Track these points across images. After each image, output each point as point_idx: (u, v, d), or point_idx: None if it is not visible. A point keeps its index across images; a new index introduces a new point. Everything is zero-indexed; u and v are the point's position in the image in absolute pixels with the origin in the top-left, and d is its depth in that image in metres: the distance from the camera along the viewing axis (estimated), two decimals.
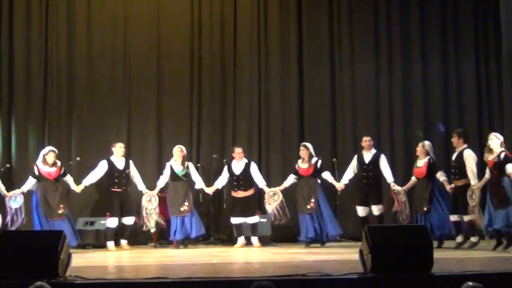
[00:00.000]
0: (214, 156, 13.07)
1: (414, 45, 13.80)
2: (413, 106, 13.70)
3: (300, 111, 13.57)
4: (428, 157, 11.52)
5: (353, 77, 13.68)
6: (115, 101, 13.24)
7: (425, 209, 11.27)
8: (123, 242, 11.89)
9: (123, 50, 13.31)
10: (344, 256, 9.65)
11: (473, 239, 10.74)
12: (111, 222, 11.76)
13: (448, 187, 11.30)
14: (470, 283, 4.54)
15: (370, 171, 12.01)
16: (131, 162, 12.15)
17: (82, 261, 9.13)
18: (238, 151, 12.37)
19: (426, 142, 11.68)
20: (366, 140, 12.17)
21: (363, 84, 13.68)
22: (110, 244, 11.71)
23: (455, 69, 13.80)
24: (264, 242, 12.26)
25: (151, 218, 11.84)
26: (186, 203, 11.93)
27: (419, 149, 11.65)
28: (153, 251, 11.54)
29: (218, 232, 12.96)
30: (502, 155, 10.33)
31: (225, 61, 13.57)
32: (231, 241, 12.27)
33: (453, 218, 10.95)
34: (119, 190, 11.86)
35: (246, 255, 10.65)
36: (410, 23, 13.84)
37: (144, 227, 11.91)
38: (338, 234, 12.07)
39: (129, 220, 11.90)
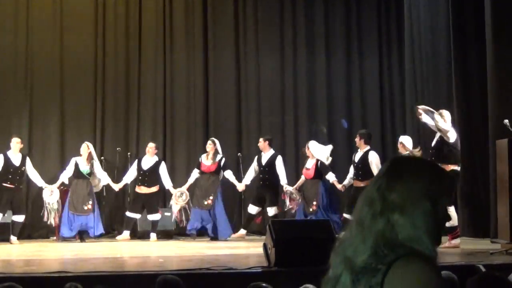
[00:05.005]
0: (118, 149, 12.94)
1: (318, 41, 13.95)
2: (317, 102, 13.87)
3: (205, 106, 13.56)
4: (316, 158, 11.72)
5: (258, 73, 13.76)
6: (16, 96, 12.92)
7: (311, 209, 11.47)
8: (13, 238, 11.47)
9: (25, 44, 12.99)
10: (248, 250, 9.71)
11: None
12: None
13: (339, 186, 11.56)
14: None
15: (266, 173, 12.10)
16: (27, 159, 11.81)
17: None
18: (150, 145, 12.27)
19: (310, 143, 11.89)
20: (260, 141, 12.26)
21: (268, 80, 13.77)
22: None
23: (358, 65, 14.03)
24: (168, 236, 12.23)
25: (53, 211, 11.61)
26: (90, 202, 11.75)
27: (307, 150, 11.83)
28: (55, 245, 11.33)
29: (122, 226, 12.83)
30: None
31: (130, 54, 13.44)
32: (135, 236, 12.18)
33: (349, 217, 11.14)
34: (11, 186, 11.50)
35: (151, 249, 10.59)
36: (315, 20, 13.98)
37: (47, 220, 11.67)
38: (228, 236, 12.01)
39: (19, 218, 11.55)
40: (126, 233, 12.01)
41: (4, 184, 11.49)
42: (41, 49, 13.08)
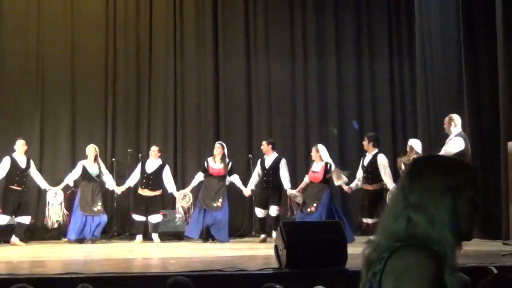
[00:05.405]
0: (129, 150, 12.96)
1: (329, 43, 13.93)
2: (328, 104, 13.85)
3: (215, 107, 13.57)
4: (325, 161, 11.66)
5: (269, 75, 13.75)
6: (27, 97, 13.00)
7: (309, 210, 11.41)
8: (15, 239, 11.41)
9: (35, 45, 13.06)
10: (259, 251, 9.70)
11: None
12: (2, 219, 11.41)
13: (345, 188, 11.52)
14: None
15: (270, 176, 12.04)
16: (31, 161, 11.85)
17: None
18: (154, 149, 12.25)
19: (319, 146, 11.85)
20: (263, 144, 12.20)
21: (278, 82, 13.76)
22: None
23: (369, 68, 14.00)
24: (178, 237, 12.22)
25: (55, 214, 11.62)
26: (99, 203, 11.79)
27: (315, 153, 11.75)
28: (66, 247, 11.35)
29: (133, 227, 12.84)
30: None
31: (140, 54, 13.48)
32: (146, 237, 12.18)
33: (366, 221, 11.14)
34: (18, 188, 11.55)
35: (162, 251, 10.59)
36: (325, 22, 13.97)
37: (48, 224, 11.69)
38: (226, 241, 11.92)
39: (24, 219, 11.54)
40: (139, 237, 11.99)
41: (11, 186, 11.53)
42: (52, 50, 13.15)
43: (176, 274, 5.66)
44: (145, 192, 12.12)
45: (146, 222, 12.16)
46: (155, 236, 12.00)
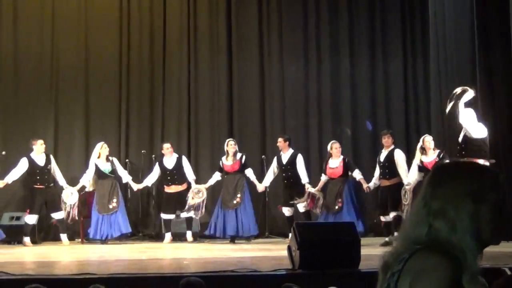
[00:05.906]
0: (142, 151, 12.97)
1: (342, 43, 13.87)
2: (341, 104, 13.81)
3: (229, 108, 13.56)
4: (343, 156, 11.69)
5: (282, 75, 13.71)
6: (41, 97, 13.05)
7: (336, 207, 11.42)
8: (63, 237, 11.61)
9: (50, 45, 13.10)
10: (272, 252, 9.68)
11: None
12: (30, 219, 11.47)
13: (365, 186, 11.52)
14: None
15: (288, 171, 12.06)
16: (51, 157, 11.93)
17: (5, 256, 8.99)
18: (166, 146, 12.26)
19: (337, 142, 11.90)
20: (279, 141, 12.20)
21: (292, 82, 13.73)
22: (27, 239, 11.39)
23: (382, 67, 13.93)
24: (193, 238, 12.22)
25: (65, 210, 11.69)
26: (114, 200, 11.79)
27: (334, 149, 11.76)
28: (79, 247, 11.39)
29: (146, 228, 12.87)
30: (442, 155, 10.61)
31: (154, 55, 13.48)
32: (160, 237, 12.20)
33: (384, 219, 11.13)
34: (42, 187, 11.62)
35: (175, 251, 10.60)
36: (339, 22, 13.91)
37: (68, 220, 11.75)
38: (254, 235, 12.02)
39: (58, 215, 11.64)
40: (168, 235, 11.96)
41: (35, 186, 11.62)
42: (66, 50, 13.19)
43: (189, 275, 5.67)
44: (171, 188, 12.13)
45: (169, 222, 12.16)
46: (188, 234, 11.99)
